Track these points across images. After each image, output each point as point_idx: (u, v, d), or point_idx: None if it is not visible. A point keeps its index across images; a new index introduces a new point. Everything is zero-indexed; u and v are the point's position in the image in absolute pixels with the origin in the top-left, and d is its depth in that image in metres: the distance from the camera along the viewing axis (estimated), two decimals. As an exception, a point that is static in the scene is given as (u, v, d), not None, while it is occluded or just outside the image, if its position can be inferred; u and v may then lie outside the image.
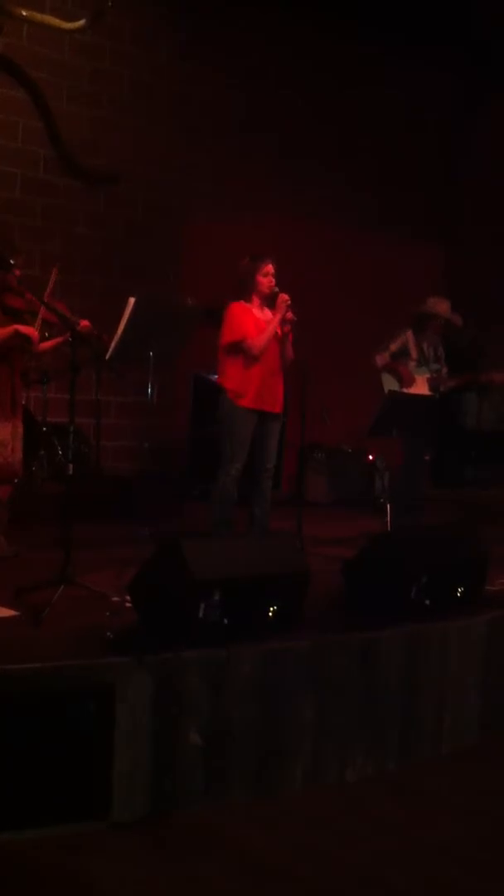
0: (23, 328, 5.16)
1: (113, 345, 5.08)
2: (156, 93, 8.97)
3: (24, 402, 5.71)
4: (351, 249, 9.91)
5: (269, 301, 5.56)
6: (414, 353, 6.62)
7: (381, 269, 9.88)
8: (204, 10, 8.92)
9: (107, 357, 5.11)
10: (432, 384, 6.60)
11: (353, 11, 9.35)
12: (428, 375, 6.62)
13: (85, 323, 5.00)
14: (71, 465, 4.71)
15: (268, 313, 5.58)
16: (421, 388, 6.59)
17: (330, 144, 9.94)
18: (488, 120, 10.81)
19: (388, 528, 6.38)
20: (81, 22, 7.98)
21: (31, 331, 5.17)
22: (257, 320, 5.55)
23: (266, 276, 5.54)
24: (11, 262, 5.17)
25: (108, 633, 3.80)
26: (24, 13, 7.70)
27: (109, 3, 7.67)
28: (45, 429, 6.99)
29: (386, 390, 6.58)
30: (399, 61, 10.06)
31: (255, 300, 5.59)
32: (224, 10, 8.92)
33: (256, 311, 5.58)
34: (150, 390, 5.24)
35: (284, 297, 5.47)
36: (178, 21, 8.98)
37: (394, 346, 6.62)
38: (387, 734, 4.12)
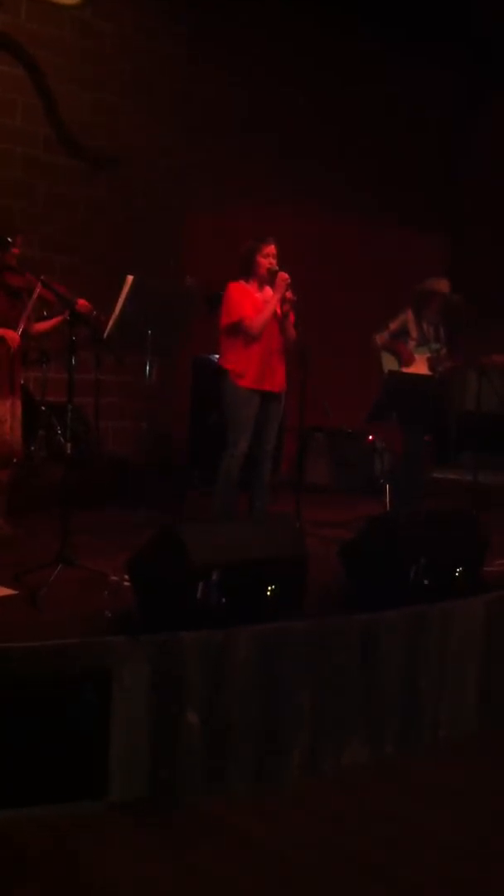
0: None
1: (111, 322, 5.06)
2: (157, 84, 8.91)
3: (22, 382, 5.69)
4: (351, 244, 9.88)
5: (270, 281, 5.53)
6: (414, 333, 6.58)
7: (381, 264, 9.85)
8: (205, 5, 8.87)
9: (105, 335, 5.08)
10: (432, 364, 6.57)
11: (353, 8, 9.32)
12: (428, 355, 6.58)
13: (83, 302, 4.97)
14: (69, 445, 4.69)
15: (268, 292, 5.54)
16: (420, 367, 6.56)
17: (331, 141, 9.90)
18: (489, 117, 10.77)
19: (388, 510, 6.38)
20: (80, -2, 7.96)
21: (7, 332, 5.13)
22: (256, 300, 5.51)
23: (266, 258, 5.50)
24: (9, 239, 5.14)
25: (107, 613, 3.80)
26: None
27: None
28: (43, 408, 6.97)
29: (385, 370, 6.55)
30: (400, 59, 10.01)
31: (255, 281, 5.55)
32: (225, 5, 8.88)
33: (255, 292, 5.55)
34: (147, 370, 5.23)
35: (284, 275, 5.42)
36: (178, 15, 8.93)
37: (393, 326, 6.59)
38: (386, 717, 4.11)
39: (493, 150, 10.53)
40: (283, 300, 5.47)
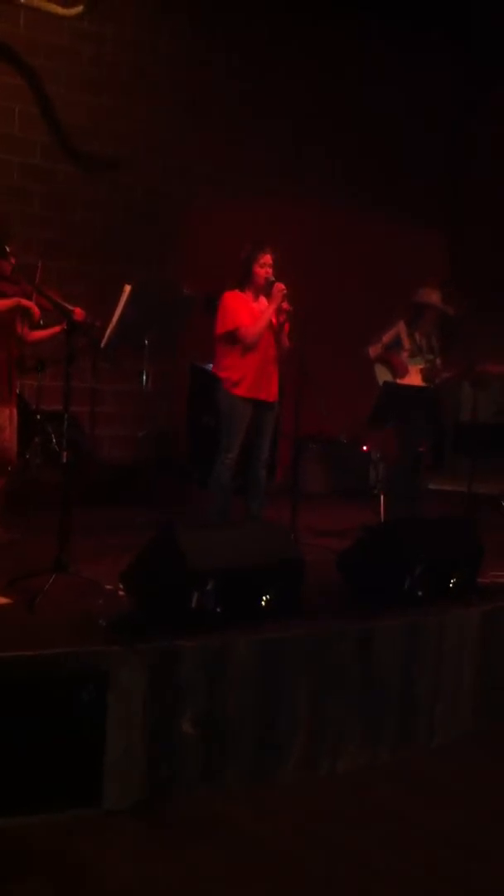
0: (24, 301, 5.15)
1: (108, 332, 5.08)
2: (156, 79, 8.95)
3: (18, 390, 5.70)
4: (352, 238, 9.89)
5: (266, 290, 5.54)
6: (406, 344, 6.57)
7: (381, 258, 9.85)
8: (206, 3, 8.91)
9: (102, 345, 5.10)
10: (426, 375, 6.56)
11: (355, 6, 9.39)
12: (421, 366, 6.59)
13: (79, 311, 4.99)
14: (66, 454, 4.70)
15: (263, 302, 5.56)
16: (414, 378, 6.56)
17: (331, 140, 9.92)
18: (489, 115, 10.81)
19: (382, 519, 6.39)
20: (79, 8, 7.99)
21: (32, 304, 5.17)
22: (252, 309, 5.52)
23: (263, 267, 5.50)
24: (7, 249, 5.15)
25: (101, 621, 3.80)
26: (22, -1, 7.69)
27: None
28: (39, 416, 6.98)
29: (380, 382, 6.55)
30: (401, 57, 10.09)
31: (251, 290, 5.56)
32: (226, 3, 8.92)
33: (251, 300, 5.56)
34: (144, 378, 5.24)
35: (280, 286, 5.44)
36: (178, 7, 8.96)
37: (386, 338, 6.57)
38: (381, 724, 4.12)
39: (493, 150, 10.57)
40: (278, 310, 5.48)
